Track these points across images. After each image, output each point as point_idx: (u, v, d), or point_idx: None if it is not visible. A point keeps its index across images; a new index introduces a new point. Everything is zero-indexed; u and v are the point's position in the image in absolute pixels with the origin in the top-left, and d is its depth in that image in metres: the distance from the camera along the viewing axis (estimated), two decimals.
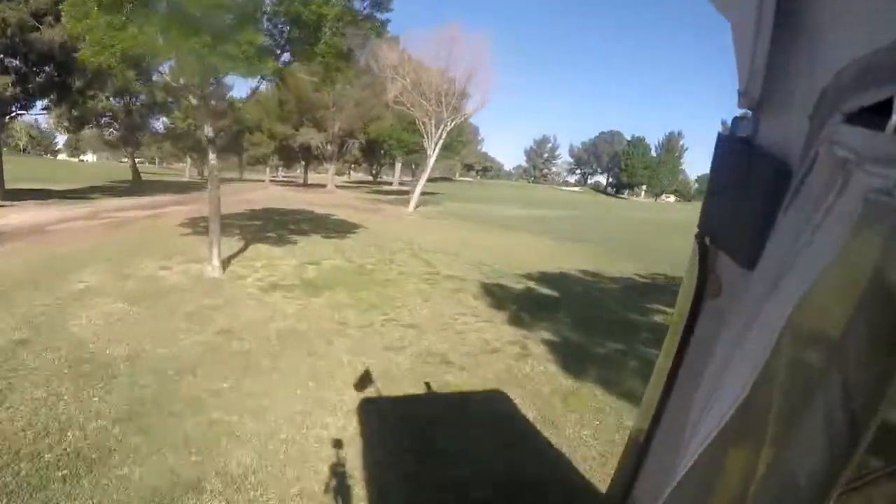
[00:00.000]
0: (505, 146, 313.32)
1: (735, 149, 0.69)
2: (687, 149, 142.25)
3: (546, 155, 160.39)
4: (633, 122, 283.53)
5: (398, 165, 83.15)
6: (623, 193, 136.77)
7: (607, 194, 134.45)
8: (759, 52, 0.61)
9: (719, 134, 0.74)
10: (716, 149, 0.73)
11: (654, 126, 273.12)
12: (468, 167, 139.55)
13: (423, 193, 42.37)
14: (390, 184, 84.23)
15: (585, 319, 11.66)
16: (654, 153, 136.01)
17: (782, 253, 0.56)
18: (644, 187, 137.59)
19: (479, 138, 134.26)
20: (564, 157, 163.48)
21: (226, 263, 14.38)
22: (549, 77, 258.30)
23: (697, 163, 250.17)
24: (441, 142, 41.70)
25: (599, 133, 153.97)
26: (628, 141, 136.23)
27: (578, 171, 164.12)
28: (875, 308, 0.46)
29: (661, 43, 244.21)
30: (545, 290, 14.55)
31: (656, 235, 33.75)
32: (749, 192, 0.64)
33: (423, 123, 41.71)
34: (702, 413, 0.69)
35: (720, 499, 0.66)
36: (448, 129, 41.56)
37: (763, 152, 0.64)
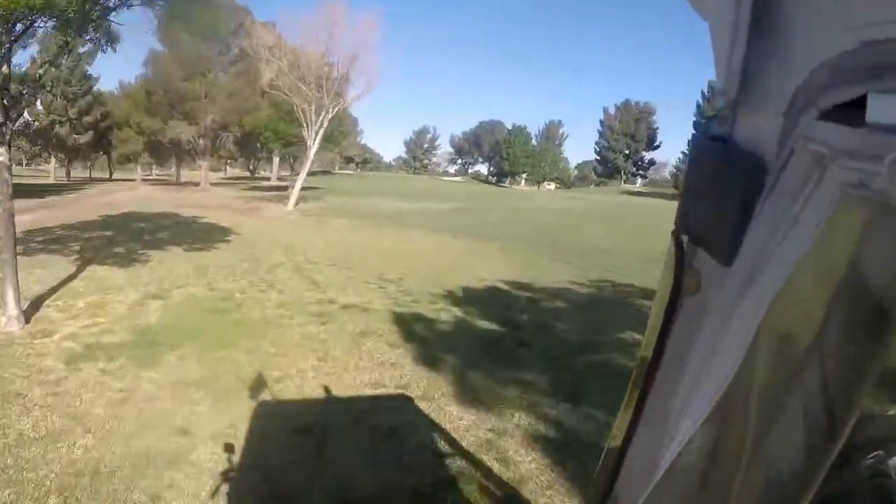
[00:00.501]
0: (384, 137, 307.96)
1: (711, 148, 0.67)
2: (567, 136, 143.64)
3: (426, 145, 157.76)
4: (514, 111, 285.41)
5: (276, 159, 77.66)
6: (504, 182, 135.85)
7: (489, 183, 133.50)
8: (736, 53, 0.59)
9: (695, 135, 0.75)
10: (691, 150, 0.72)
11: (535, 114, 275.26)
12: (348, 159, 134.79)
13: (303, 188, 37.67)
14: (268, 179, 78.37)
15: (571, 378, 7.76)
16: (534, 142, 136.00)
17: (759, 247, 0.56)
18: (525, 175, 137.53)
19: (359, 129, 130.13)
20: (445, 147, 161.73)
21: (38, 302, 10.12)
22: (427, 66, 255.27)
23: (577, 150, 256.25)
24: (322, 131, 37.08)
25: (480, 122, 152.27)
26: (509, 130, 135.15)
27: (459, 161, 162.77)
28: (851, 299, 0.47)
29: (540, 31, 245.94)
30: (483, 323, 10.61)
31: (563, 227, 30.17)
32: (726, 189, 0.62)
33: (303, 111, 36.88)
34: (682, 410, 0.70)
35: (703, 494, 0.66)
36: (330, 116, 37.06)
37: (740, 150, 0.62)
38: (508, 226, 29.88)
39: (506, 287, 13.85)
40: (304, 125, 37.16)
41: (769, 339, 0.53)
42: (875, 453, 1.02)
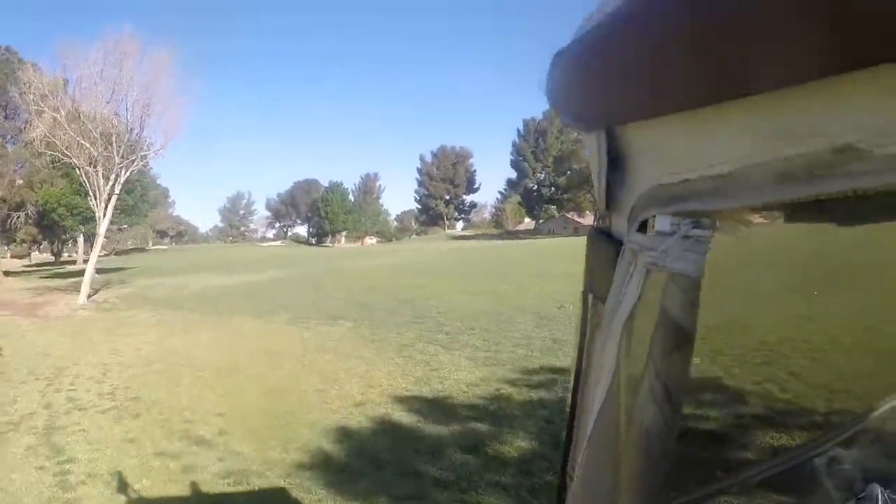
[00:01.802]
0: (198, 207, 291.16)
1: (599, 237, 0.90)
2: (384, 188, 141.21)
3: (242, 211, 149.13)
4: (328, 168, 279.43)
5: (80, 239, 66.89)
6: (325, 241, 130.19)
7: (309, 244, 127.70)
8: (602, 181, 0.84)
9: (592, 228, 0.96)
10: (589, 237, 0.95)
11: (350, 169, 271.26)
12: (161, 234, 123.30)
13: (105, 271, 29.36)
14: (74, 262, 66.93)
15: None
16: (352, 197, 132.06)
17: (616, 292, 0.79)
18: (344, 233, 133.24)
19: (170, 200, 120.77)
20: (261, 212, 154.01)
21: None
22: (236, 129, 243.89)
23: (396, 200, 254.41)
24: (115, 199, 29.43)
25: (295, 183, 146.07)
26: (325, 188, 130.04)
27: (277, 225, 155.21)
28: (663, 327, 0.69)
29: (347, 84, 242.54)
30: None
31: (417, 288, 25.02)
32: (606, 259, 0.85)
33: (87, 174, 29.06)
34: (593, 402, 0.91)
35: (607, 452, 0.85)
36: (123, 179, 29.54)
37: (612, 237, 0.86)
38: (353, 294, 23.89)
39: (406, 417, 8.24)
40: (90, 193, 29.40)
41: (624, 354, 0.79)
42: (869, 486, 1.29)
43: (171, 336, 15.47)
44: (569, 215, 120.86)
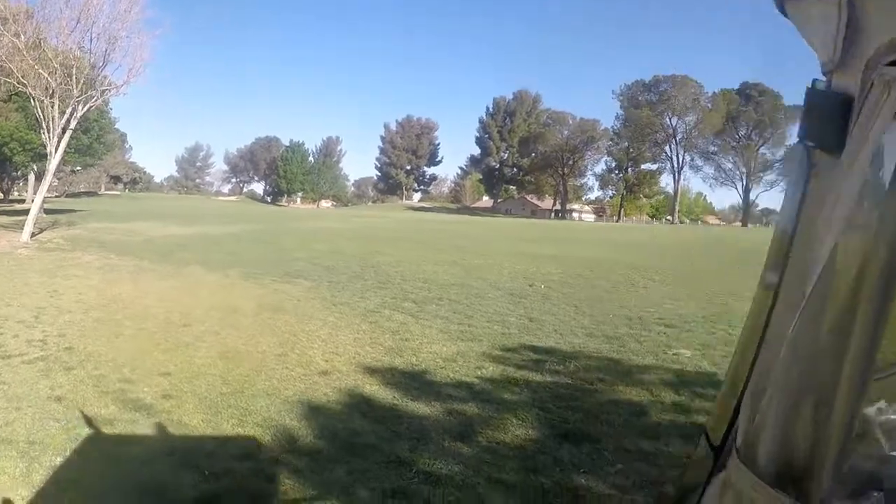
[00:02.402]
0: (155, 155, 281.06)
1: (823, 93, 0.93)
2: (345, 153, 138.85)
3: (199, 164, 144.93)
4: (291, 127, 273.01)
5: (31, 177, 63.43)
6: (281, 201, 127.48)
7: (265, 202, 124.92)
8: (838, 42, 0.88)
9: (811, 89, 0.97)
10: (811, 93, 0.96)
11: (312, 130, 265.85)
12: (115, 179, 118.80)
13: (54, 212, 27.28)
14: (23, 201, 63.22)
15: None
16: (312, 159, 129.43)
17: (860, 134, 0.82)
18: (300, 194, 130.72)
19: (127, 146, 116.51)
20: (219, 165, 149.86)
21: None
22: (199, 77, 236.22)
23: (356, 166, 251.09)
24: (69, 133, 27.22)
25: (256, 139, 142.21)
26: (286, 147, 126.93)
27: (234, 180, 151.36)
28: None
29: (316, 43, 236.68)
30: None
31: (374, 251, 23.65)
32: (831, 110, 0.89)
33: (41, 106, 26.76)
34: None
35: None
36: (79, 114, 27.35)
37: (838, 94, 0.89)
38: (313, 255, 22.59)
39: (380, 392, 7.20)
40: (44, 126, 27.17)
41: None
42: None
43: (117, 283, 14.03)
44: (528, 197, 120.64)
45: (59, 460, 5.03)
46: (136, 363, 7.59)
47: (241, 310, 11.68)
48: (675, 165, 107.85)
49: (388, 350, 9.30)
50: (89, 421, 5.56)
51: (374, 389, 7.24)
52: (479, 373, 8.19)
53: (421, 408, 6.61)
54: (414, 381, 7.62)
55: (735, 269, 21.84)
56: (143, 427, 5.59)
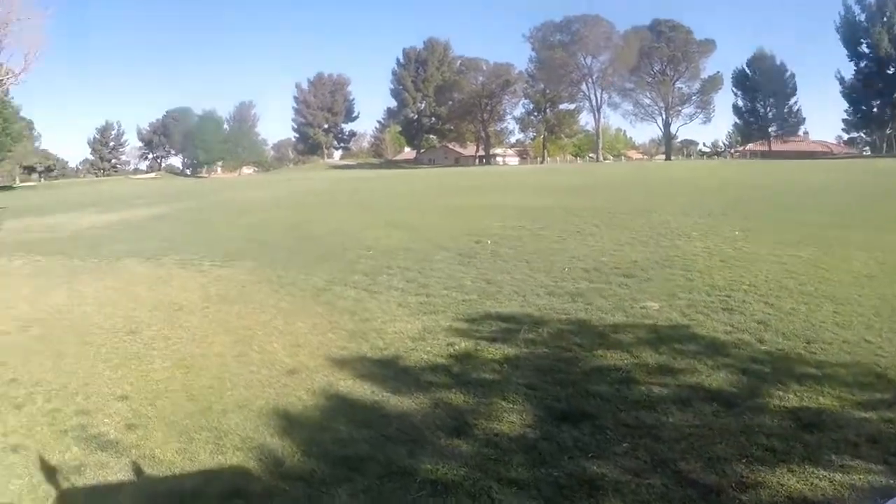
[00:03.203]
0: (67, 140, 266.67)
1: None
2: (260, 117, 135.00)
3: (112, 143, 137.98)
4: (201, 96, 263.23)
5: None
6: (201, 172, 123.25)
7: (185, 175, 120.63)
8: None
9: None
10: None
11: (224, 97, 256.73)
12: (29, 170, 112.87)
13: None
14: None
15: None
16: (226, 126, 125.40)
17: None
18: (220, 163, 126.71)
19: (36, 134, 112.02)
20: (133, 142, 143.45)
21: None
22: (102, 54, 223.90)
23: (272, 129, 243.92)
24: None
25: (167, 112, 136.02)
26: (199, 116, 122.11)
27: (151, 156, 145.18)
28: None
29: (217, 11, 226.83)
30: None
31: (308, 220, 22.83)
32: None
33: None
34: None
35: None
36: None
37: None
38: (245, 230, 21.65)
39: (356, 388, 6.74)
40: None
41: None
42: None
43: (51, 290, 12.76)
44: (450, 146, 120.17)
45: None
46: (89, 388, 6.85)
47: (187, 305, 10.94)
48: (595, 104, 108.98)
49: (351, 335, 8.84)
50: (54, 472, 4.93)
51: (350, 385, 6.80)
52: (451, 350, 7.84)
53: (404, 402, 6.22)
54: (388, 370, 7.21)
55: (670, 204, 22.08)
56: (116, 471, 4.93)
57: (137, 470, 4.96)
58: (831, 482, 4.51)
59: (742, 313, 8.86)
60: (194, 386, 6.88)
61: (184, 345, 8.55)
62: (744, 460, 4.86)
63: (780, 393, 6.08)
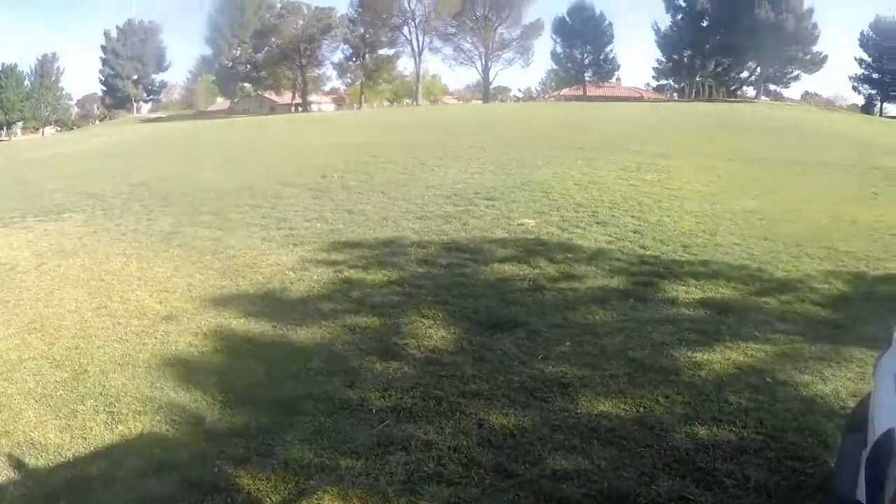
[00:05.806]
0: None
1: None
2: (64, 70, 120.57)
3: None
4: None
5: None
6: (2, 135, 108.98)
7: None
8: None
9: None
10: None
11: (22, 51, 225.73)
12: None
13: None
14: None
15: None
16: (27, 83, 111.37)
17: None
18: (20, 123, 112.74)
19: None
20: None
21: None
22: None
23: (77, 83, 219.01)
24: None
25: None
26: None
27: None
28: None
29: None
30: None
31: (134, 168, 19.78)
32: None
33: None
34: None
35: None
36: None
37: None
38: (69, 183, 18.58)
39: (252, 326, 5.73)
40: None
41: None
42: None
43: None
44: (266, 94, 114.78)
45: None
46: None
47: (20, 264, 9.09)
48: (416, 48, 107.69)
49: (221, 273, 7.68)
50: None
51: (244, 324, 5.77)
52: (342, 276, 7.03)
53: (316, 332, 5.36)
54: (279, 303, 6.26)
55: (506, 139, 22.06)
56: None
57: (18, 464, 3.67)
58: (766, 353, 4.70)
59: (615, 226, 8.89)
60: (55, 349, 5.49)
61: (28, 306, 6.96)
62: (683, 344, 4.85)
63: (683, 287, 6.18)
